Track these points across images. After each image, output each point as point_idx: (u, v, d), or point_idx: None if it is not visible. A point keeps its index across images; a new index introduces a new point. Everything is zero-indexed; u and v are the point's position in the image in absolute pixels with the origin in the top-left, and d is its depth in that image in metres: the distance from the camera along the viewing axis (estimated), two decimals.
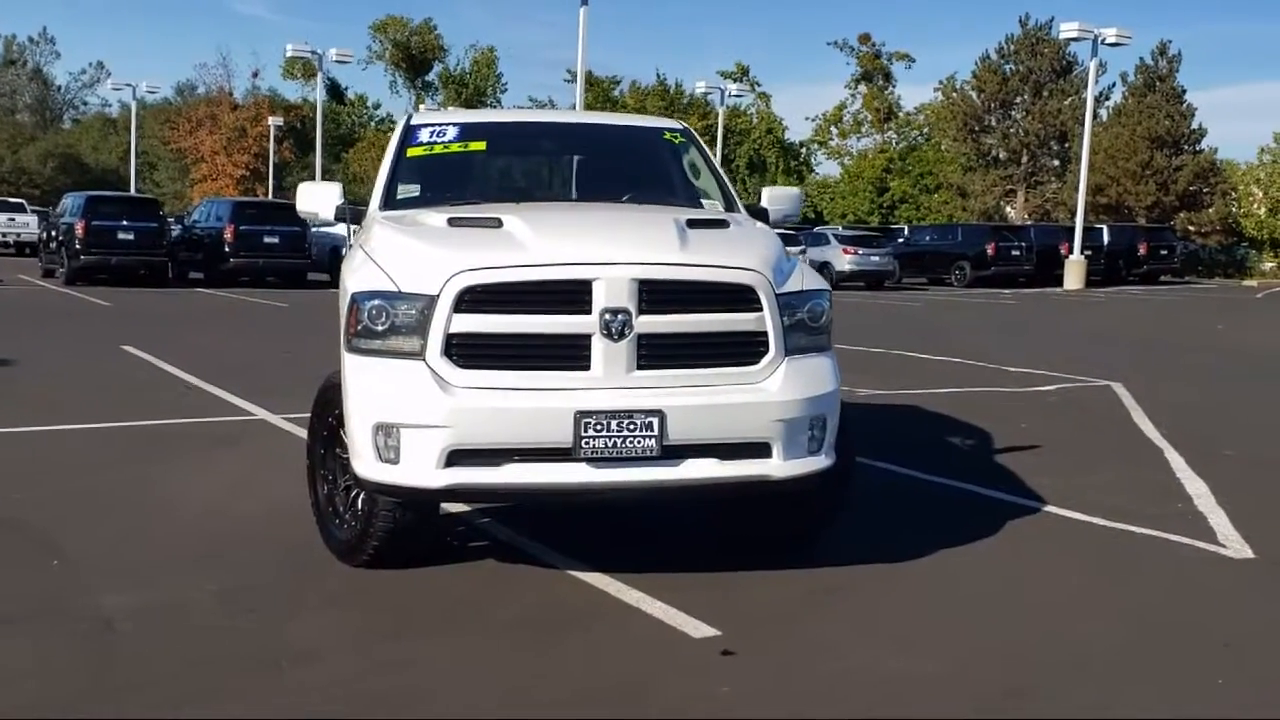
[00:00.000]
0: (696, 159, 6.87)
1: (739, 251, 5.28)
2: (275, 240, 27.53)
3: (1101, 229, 42.58)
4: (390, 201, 6.23)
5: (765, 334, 5.16)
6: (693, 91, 64.98)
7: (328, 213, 6.39)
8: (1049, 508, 6.92)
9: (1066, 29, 39.62)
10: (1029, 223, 47.16)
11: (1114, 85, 53.55)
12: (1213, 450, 8.88)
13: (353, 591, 5.27)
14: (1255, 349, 18.63)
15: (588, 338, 4.95)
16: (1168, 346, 18.70)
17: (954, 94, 56.05)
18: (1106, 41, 39.39)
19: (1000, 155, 55.71)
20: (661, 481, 5.03)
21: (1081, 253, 39.10)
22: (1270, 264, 51.88)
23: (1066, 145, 54.10)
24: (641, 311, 4.95)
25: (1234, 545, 6.19)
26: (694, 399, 5.03)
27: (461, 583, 5.42)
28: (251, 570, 5.57)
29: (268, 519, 6.46)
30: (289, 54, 46.36)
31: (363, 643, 4.68)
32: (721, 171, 6.77)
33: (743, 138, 60.76)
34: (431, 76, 77.51)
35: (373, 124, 78.43)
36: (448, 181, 6.60)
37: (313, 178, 65.86)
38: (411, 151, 6.49)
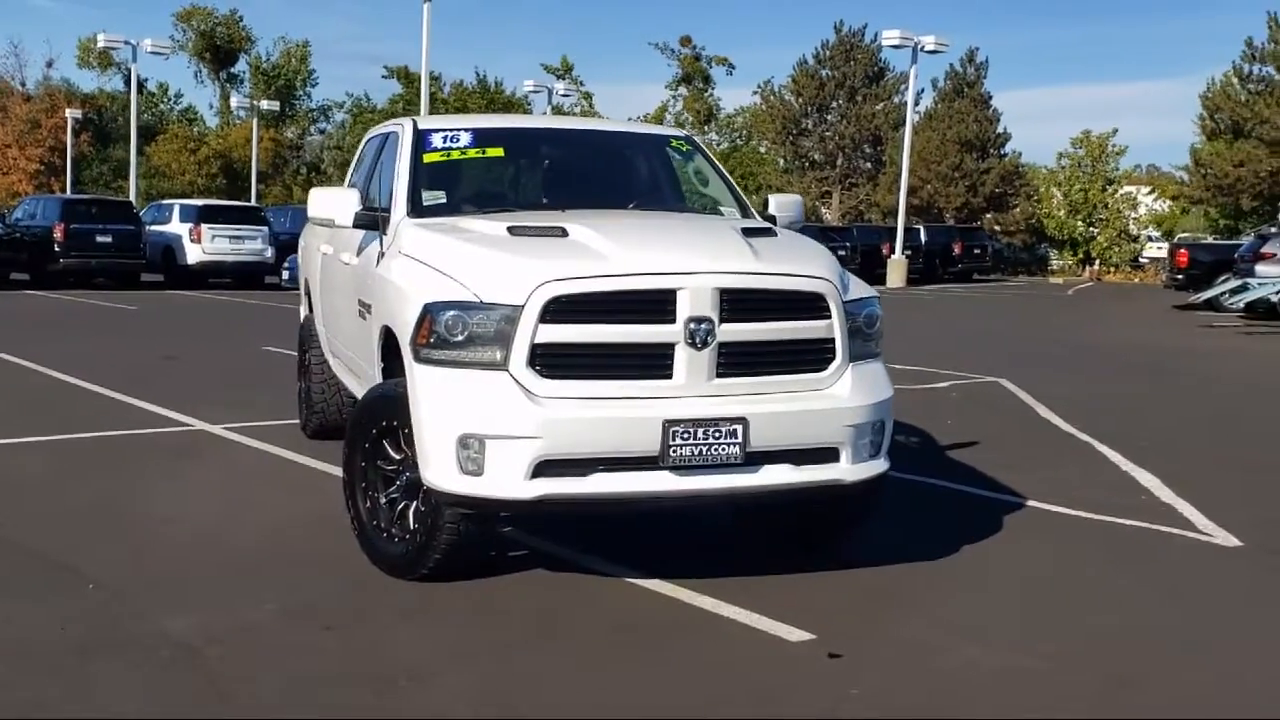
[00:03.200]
0: (703, 166, 6.98)
1: (807, 260, 5.40)
2: (109, 240, 26.32)
3: (919, 229, 44.23)
4: (418, 208, 6.12)
5: (833, 341, 5.30)
6: (514, 90, 64.77)
7: (345, 219, 6.22)
8: (1032, 503, 7.25)
9: (888, 37, 40.94)
10: (853, 224, 48.57)
11: (923, 91, 55.59)
12: (1131, 442, 9.39)
13: (423, 605, 5.18)
14: (1098, 343, 19.72)
15: (671, 347, 4.99)
16: (1021, 342, 19.63)
17: (772, 98, 57.28)
18: (925, 49, 40.90)
19: (817, 158, 57.22)
20: (743, 488, 5.11)
21: (902, 253, 40.54)
22: (1070, 262, 54.78)
23: (879, 149, 55.95)
24: (723, 320, 5.03)
25: (1218, 534, 6.60)
26: (774, 406, 5.13)
27: (529, 593, 5.38)
28: (300, 587, 5.41)
29: (284, 534, 6.28)
30: (101, 45, 44.22)
31: (470, 656, 4.62)
32: (730, 178, 6.87)
33: None
34: (239, 68, 75.09)
35: (175, 115, 75.56)
36: (472, 187, 6.54)
37: (120, 172, 63.10)
38: (429, 157, 6.38)
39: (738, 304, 5.07)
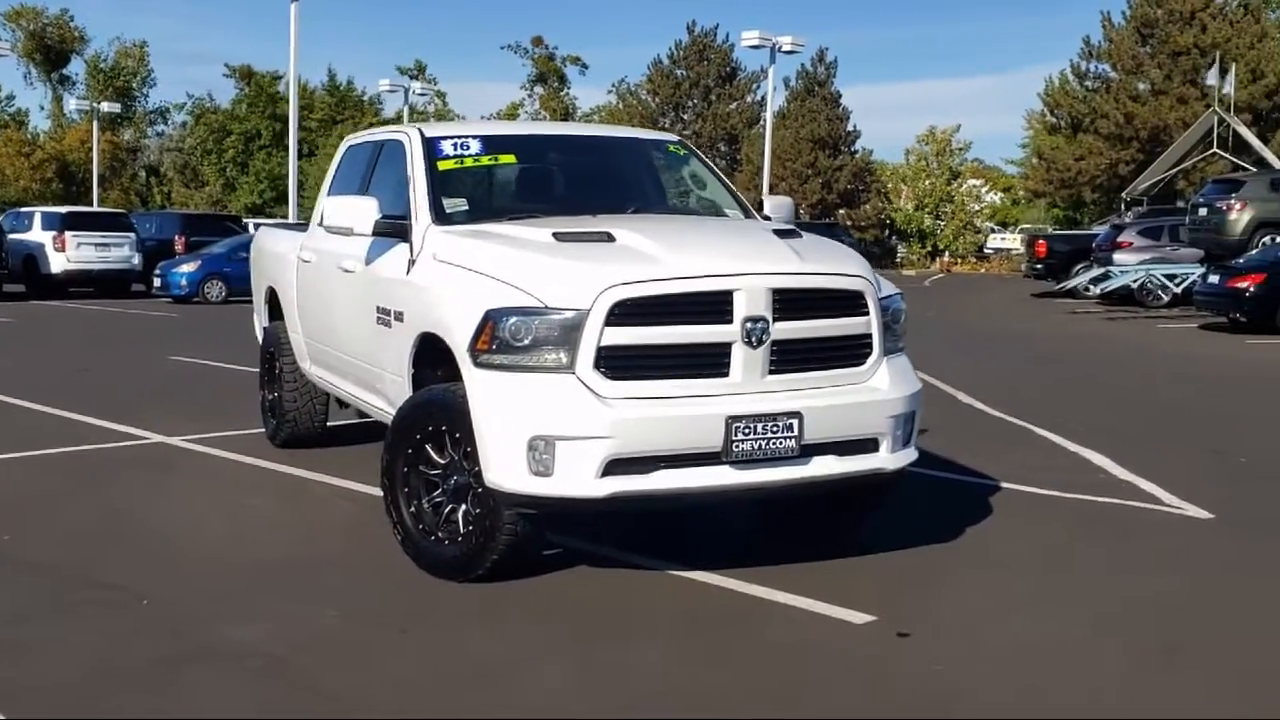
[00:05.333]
0: (699, 169, 7.19)
1: (846, 260, 5.66)
2: None
3: None
4: (442, 216, 6.17)
5: (870, 336, 5.57)
6: (364, 90, 64.05)
7: (365, 227, 6.25)
8: (1006, 485, 7.64)
9: (747, 37, 41.72)
10: None
11: (774, 90, 56.71)
12: (1063, 424, 9.91)
13: (485, 606, 5.25)
14: (980, 332, 20.56)
15: (729, 346, 5.19)
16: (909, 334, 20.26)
17: (629, 97, 57.81)
18: (783, 49, 41.83)
19: None
20: (797, 479, 5.34)
21: None
22: (917, 254, 56.62)
23: (735, 147, 56.91)
24: (775, 319, 5.24)
25: (1188, 508, 7.07)
26: (824, 400, 5.37)
27: (583, 590, 5.51)
28: (351, 592, 5.45)
29: (304, 541, 6.34)
30: None
31: (557, 651, 4.74)
32: (727, 180, 7.10)
33: None
34: (72, 69, 72.48)
35: (6, 119, 72.53)
36: (489, 194, 6.63)
37: None
38: (442, 165, 6.44)
39: (789, 303, 5.29)
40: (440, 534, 5.60)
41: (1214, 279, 20.52)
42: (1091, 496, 7.36)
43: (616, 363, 5.09)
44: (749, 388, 5.24)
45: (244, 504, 7.17)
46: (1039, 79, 69.12)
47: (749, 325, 5.17)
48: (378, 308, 6.32)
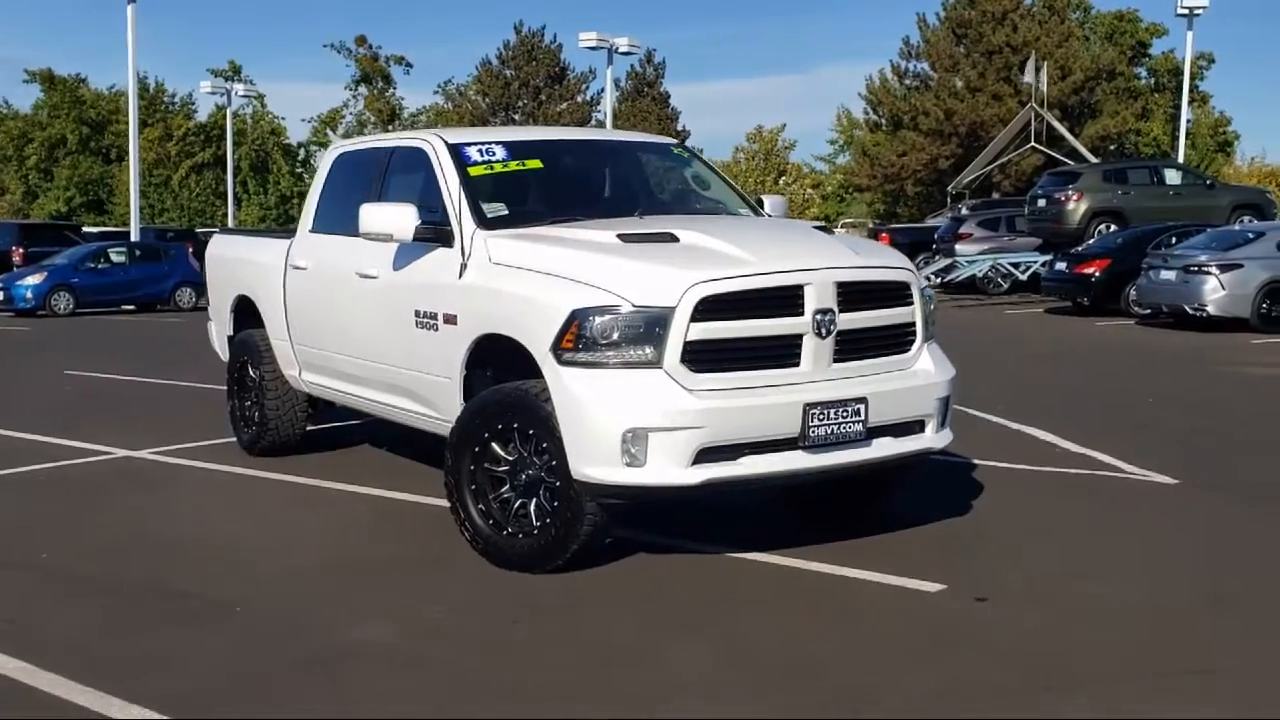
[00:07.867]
0: (701, 170, 7.51)
1: (891, 254, 6.06)
2: None
3: None
4: (485, 221, 6.30)
5: (915, 324, 5.97)
6: (175, 92, 62.13)
7: (405, 234, 6.33)
8: (980, 461, 8.13)
9: (585, 38, 42.02)
10: None
11: (603, 90, 57.23)
12: (990, 404, 10.53)
13: (576, 594, 5.44)
14: None
15: (800, 337, 5.52)
16: None
17: (458, 97, 57.51)
18: (619, 51, 42.35)
19: None
20: (862, 460, 5.70)
21: None
22: None
23: None
24: (840, 310, 5.59)
25: (1152, 475, 7.70)
26: (883, 385, 5.75)
27: (658, 575, 5.75)
28: (440, 589, 5.57)
29: (350, 544, 6.40)
30: None
31: (675, 631, 4.98)
32: (730, 181, 7.41)
33: (240, 138, 58.67)
34: None
35: None
36: (524, 198, 6.78)
37: None
38: (473, 171, 6.56)
39: (850, 295, 5.65)
40: (511, 529, 5.76)
41: (1061, 265, 21.78)
42: (1062, 469, 7.93)
43: (699, 356, 5.36)
44: (818, 376, 5.57)
45: (265, 512, 7.16)
46: (846, 78, 71.44)
47: (818, 317, 5.51)
48: (418, 311, 6.40)
